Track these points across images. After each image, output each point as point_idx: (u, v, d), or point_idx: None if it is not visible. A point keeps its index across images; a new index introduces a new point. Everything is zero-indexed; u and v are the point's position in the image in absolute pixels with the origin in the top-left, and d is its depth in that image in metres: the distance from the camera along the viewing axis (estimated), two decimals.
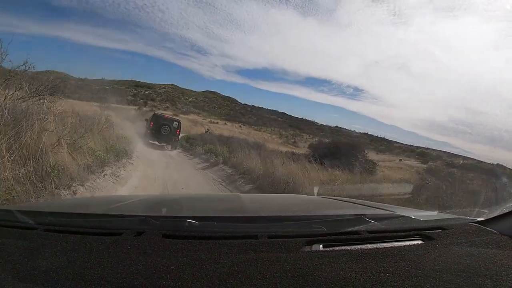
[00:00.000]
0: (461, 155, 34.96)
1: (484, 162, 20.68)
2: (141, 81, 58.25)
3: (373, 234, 0.90)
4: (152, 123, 13.54)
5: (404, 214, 1.11)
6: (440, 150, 42.45)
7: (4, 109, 3.53)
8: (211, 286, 0.60)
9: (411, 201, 5.01)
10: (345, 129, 57.45)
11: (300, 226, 0.98)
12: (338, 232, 0.90)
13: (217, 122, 45.76)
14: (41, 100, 4.77)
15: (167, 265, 0.66)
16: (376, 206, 1.42)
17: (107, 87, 38.60)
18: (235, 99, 65.36)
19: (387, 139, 53.33)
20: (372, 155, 16.58)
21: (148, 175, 6.28)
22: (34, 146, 3.48)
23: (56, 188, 3.27)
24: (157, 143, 13.46)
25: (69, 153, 4.17)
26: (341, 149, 12.56)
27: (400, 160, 35.46)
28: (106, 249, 0.73)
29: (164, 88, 58.96)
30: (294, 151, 17.22)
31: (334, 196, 2.74)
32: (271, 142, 26.85)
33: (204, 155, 11.09)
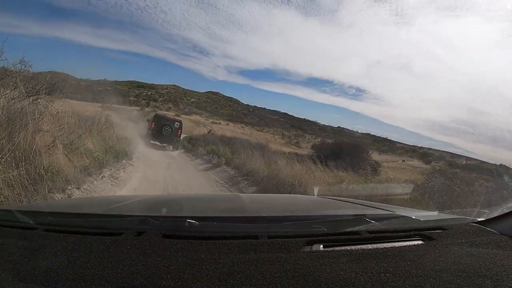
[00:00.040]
0: (463, 156, 34.97)
1: (487, 163, 20.67)
2: (144, 81, 58.41)
3: (373, 234, 0.90)
4: (153, 123, 13.57)
5: (404, 214, 1.11)
6: (443, 151, 42.28)
7: None
8: (211, 286, 0.59)
9: (420, 202, 4.97)
10: (348, 129, 57.32)
11: (300, 226, 0.98)
12: (338, 232, 0.90)
13: (219, 123, 45.75)
14: (38, 100, 4.60)
15: (167, 265, 0.65)
16: (376, 206, 1.42)
17: (109, 88, 38.72)
18: (237, 100, 65.46)
19: (390, 140, 53.11)
20: (375, 156, 16.39)
21: (149, 177, 6.14)
22: (27, 147, 3.32)
23: (49, 192, 3.12)
24: (158, 143, 13.46)
25: (65, 154, 4.02)
26: (345, 149, 12.45)
27: (403, 160, 35.16)
28: (106, 249, 0.72)
29: (166, 88, 59.08)
30: (297, 151, 17.02)
31: (336, 196, 2.69)
32: (273, 143, 26.69)
33: (206, 156, 11.00)
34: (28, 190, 2.88)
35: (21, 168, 3.03)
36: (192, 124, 32.45)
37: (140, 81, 58.28)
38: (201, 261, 0.67)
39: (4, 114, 3.43)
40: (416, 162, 32.75)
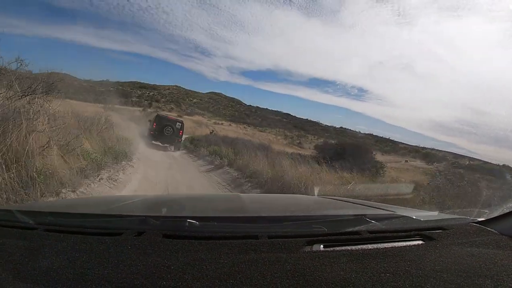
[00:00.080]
0: (466, 156, 34.68)
1: (490, 163, 20.63)
2: (146, 82, 58.39)
3: (374, 234, 0.90)
4: (155, 124, 13.52)
5: (404, 214, 1.11)
6: (446, 151, 41.85)
7: None
8: (212, 286, 0.59)
9: (426, 202, 4.95)
10: (350, 130, 56.85)
11: (300, 226, 0.98)
12: (339, 232, 0.90)
13: (221, 123, 45.61)
14: (35, 100, 4.44)
15: (167, 265, 0.65)
16: (377, 206, 1.41)
17: (111, 89, 38.69)
18: (239, 100, 65.17)
19: (392, 140, 52.58)
20: (378, 156, 16.19)
21: (149, 178, 5.99)
22: (20, 148, 3.16)
23: (42, 196, 2.97)
24: (160, 144, 13.35)
25: (61, 155, 3.85)
26: (348, 150, 12.30)
27: (406, 161, 34.88)
28: (106, 249, 0.72)
29: (168, 89, 59.03)
30: (300, 152, 16.84)
31: (338, 196, 2.64)
32: (276, 143, 26.53)
33: (208, 156, 10.87)
34: (18, 194, 2.72)
35: (12, 171, 2.87)
36: (194, 124, 32.32)
37: (142, 81, 58.19)
38: (201, 261, 0.67)
39: None
40: (419, 163, 32.49)
